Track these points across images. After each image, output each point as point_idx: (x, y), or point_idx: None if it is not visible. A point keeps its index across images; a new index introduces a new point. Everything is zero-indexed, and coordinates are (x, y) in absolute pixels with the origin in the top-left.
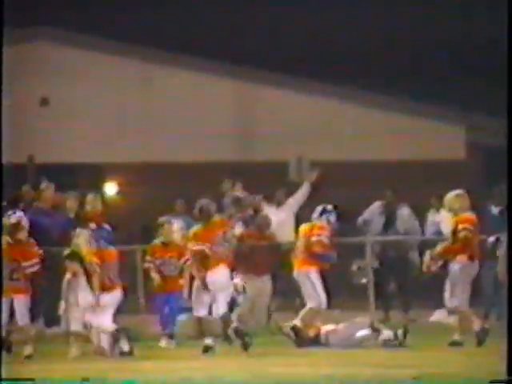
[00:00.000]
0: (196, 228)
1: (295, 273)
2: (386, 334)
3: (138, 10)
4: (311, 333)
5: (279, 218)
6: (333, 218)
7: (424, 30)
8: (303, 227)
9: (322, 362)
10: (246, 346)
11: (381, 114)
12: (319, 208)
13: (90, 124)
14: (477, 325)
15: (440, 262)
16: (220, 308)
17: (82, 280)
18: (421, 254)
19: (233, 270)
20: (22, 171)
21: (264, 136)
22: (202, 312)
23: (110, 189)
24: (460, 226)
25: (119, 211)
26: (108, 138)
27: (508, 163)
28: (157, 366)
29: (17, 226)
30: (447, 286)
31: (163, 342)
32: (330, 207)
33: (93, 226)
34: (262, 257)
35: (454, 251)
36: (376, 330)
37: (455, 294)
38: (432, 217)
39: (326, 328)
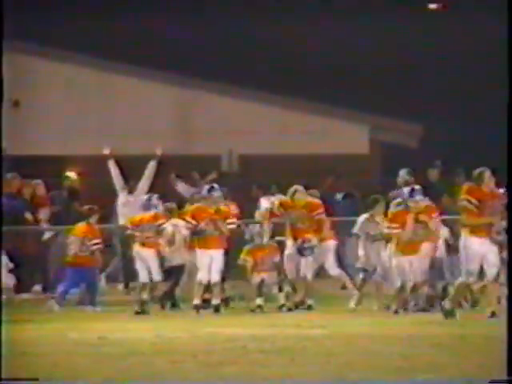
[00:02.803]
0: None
1: None
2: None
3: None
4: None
5: (130, 203)
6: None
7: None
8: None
9: (250, 323)
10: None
11: (297, 115)
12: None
13: (53, 122)
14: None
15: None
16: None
17: None
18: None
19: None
20: None
21: (198, 133)
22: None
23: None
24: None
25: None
26: (68, 135)
27: (508, 163)
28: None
29: None
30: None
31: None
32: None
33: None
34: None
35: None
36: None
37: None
38: (263, 202)
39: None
